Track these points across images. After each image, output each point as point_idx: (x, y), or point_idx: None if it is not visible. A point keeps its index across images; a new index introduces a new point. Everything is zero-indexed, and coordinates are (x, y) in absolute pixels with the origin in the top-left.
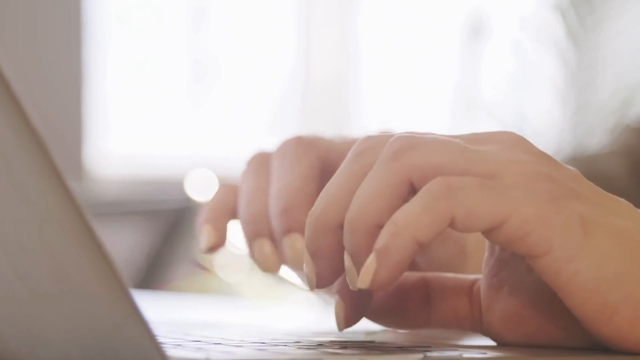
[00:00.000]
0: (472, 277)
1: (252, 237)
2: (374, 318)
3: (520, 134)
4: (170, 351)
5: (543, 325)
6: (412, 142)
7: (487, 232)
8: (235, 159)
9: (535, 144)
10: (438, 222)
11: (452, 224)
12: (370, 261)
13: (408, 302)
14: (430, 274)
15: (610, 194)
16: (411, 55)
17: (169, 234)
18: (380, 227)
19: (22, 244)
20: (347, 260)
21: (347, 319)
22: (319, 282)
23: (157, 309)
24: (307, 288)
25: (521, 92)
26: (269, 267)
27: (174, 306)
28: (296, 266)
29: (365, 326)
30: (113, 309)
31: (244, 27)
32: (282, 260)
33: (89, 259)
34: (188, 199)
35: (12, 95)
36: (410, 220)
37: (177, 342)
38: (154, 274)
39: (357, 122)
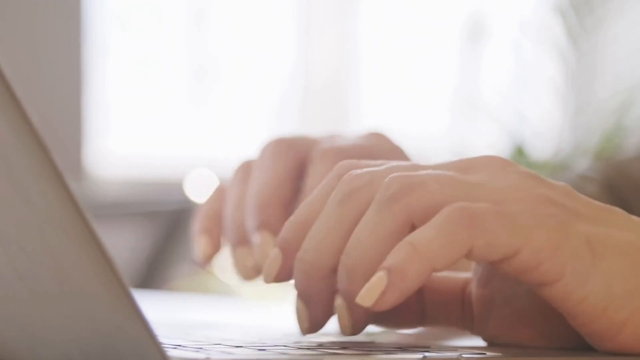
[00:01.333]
0: (463, 277)
1: (233, 244)
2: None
3: (520, 134)
4: (170, 351)
5: (538, 332)
6: (409, 183)
7: (497, 262)
8: (235, 159)
9: (519, 163)
10: (457, 251)
11: (468, 254)
12: (379, 278)
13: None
14: None
15: (604, 205)
16: (411, 56)
17: (169, 235)
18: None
19: (23, 244)
20: (340, 301)
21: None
22: (312, 328)
23: (157, 309)
24: (301, 332)
25: (521, 93)
26: (246, 275)
27: (174, 306)
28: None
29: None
30: (113, 309)
31: (244, 28)
32: (259, 269)
33: (89, 259)
34: (188, 200)
35: (12, 95)
36: (429, 246)
37: (177, 342)
38: (154, 274)
39: (357, 122)
